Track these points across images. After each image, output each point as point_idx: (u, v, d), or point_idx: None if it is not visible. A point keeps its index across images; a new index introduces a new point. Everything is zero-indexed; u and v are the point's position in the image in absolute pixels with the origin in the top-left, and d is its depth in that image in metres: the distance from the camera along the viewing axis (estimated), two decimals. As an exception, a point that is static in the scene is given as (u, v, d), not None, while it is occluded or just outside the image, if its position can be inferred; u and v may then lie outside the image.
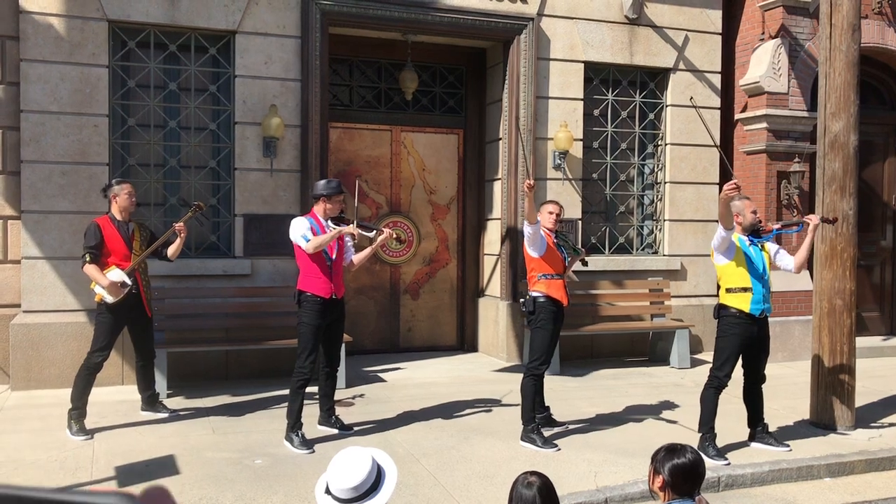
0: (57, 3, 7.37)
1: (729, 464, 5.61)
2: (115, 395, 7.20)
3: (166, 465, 5.36)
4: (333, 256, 6.02)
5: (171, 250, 6.43)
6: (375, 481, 2.37)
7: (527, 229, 6.01)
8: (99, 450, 5.67)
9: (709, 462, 5.56)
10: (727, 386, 5.90)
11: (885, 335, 10.74)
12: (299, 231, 5.88)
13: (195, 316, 7.81)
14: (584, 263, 6.54)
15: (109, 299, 6.08)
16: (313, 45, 8.11)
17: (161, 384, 7.04)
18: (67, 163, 7.45)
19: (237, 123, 8.01)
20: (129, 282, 6.13)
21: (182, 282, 7.79)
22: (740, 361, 5.99)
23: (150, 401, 6.65)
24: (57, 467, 5.29)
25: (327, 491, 2.37)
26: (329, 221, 6.03)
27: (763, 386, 6.12)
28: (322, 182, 6.15)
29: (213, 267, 7.92)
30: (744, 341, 5.84)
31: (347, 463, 2.37)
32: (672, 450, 2.86)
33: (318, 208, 6.03)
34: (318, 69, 8.14)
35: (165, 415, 6.59)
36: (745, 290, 5.78)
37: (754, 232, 5.89)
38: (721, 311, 5.92)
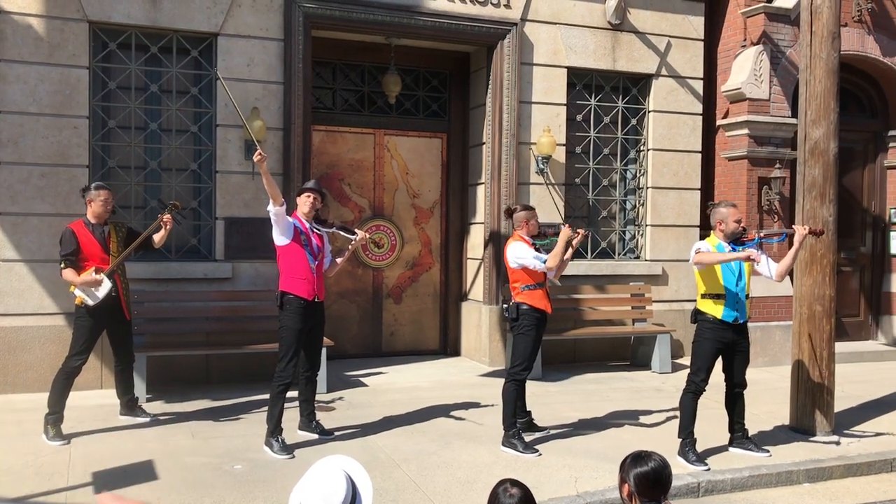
0: (36, 3, 7.30)
1: (709, 469, 5.63)
2: (94, 399, 7.13)
3: (144, 471, 5.31)
4: (317, 259, 6.00)
5: (157, 238, 6.37)
6: (352, 502, 2.34)
7: (531, 262, 6.04)
8: (76, 455, 5.61)
9: (688, 467, 5.61)
10: (705, 391, 5.92)
11: (865, 341, 10.83)
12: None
13: (175, 320, 7.75)
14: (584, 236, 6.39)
15: (90, 301, 6.03)
16: (296, 48, 8.08)
17: (140, 388, 6.97)
18: (46, 164, 7.37)
19: (219, 126, 7.97)
20: (108, 283, 6.07)
21: (162, 285, 7.73)
22: (721, 367, 6.01)
23: (129, 405, 6.59)
24: (32, 473, 5.23)
25: None
26: (313, 223, 6.03)
27: (745, 391, 6.14)
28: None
29: (193, 270, 7.86)
30: (719, 346, 5.86)
31: (322, 486, 2.32)
32: (637, 457, 2.89)
33: (299, 206, 6.07)
34: (301, 72, 8.12)
35: (144, 419, 6.53)
36: (718, 296, 5.81)
37: (736, 240, 5.90)
38: (697, 316, 5.95)
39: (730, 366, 6.02)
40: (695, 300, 6.32)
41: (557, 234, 6.27)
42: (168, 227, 6.33)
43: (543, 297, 6.14)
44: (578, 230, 6.22)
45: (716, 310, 5.81)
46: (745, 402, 6.16)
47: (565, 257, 6.12)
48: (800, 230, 5.86)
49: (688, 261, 8.21)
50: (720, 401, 6.21)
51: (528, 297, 6.10)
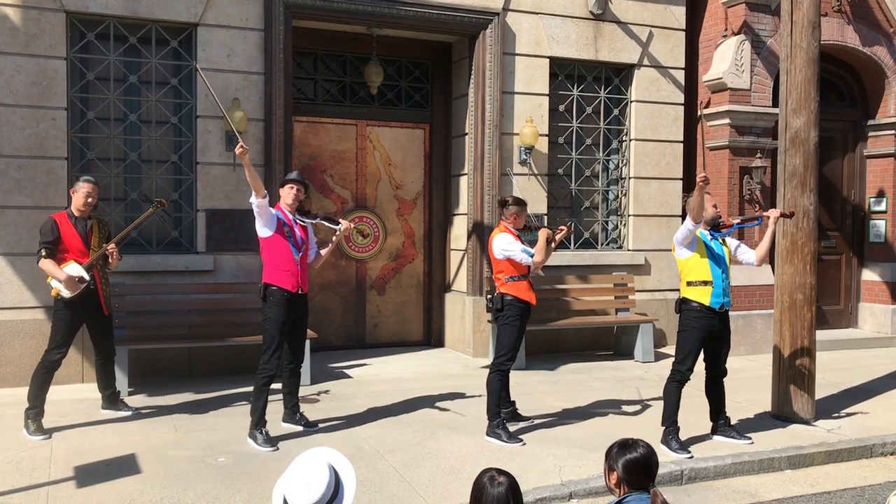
0: (12, -7, 7.20)
1: (692, 457, 5.66)
2: (75, 393, 7.07)
3: (127, 465, 5.27)
4: (301, 251, 5.97)
5: (111, 262, 6.22)
6: (334, 493, 2.34)
7: (520, 256, 6.02)
8: (57, 449, 5.56)
9: (672, 455, 5.64)
10: (690, 379, 5.95)
11: (845, 328, 10.93)
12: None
13: (157, 313, 7.69)
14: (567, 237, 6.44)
15: (66, 294, 5.97)
16: (277, 38, 8.02)
17: (122, 382, 6.93)
18: (24, 157, 7.28)
19: (199, 117, 7.90)
20: (87, 277, 6.02)
21: (143, 278, 7.67)
22: (702, 355, 6.05)
23: (111, 399, 6.54)
24: (13, 468, 5.18)
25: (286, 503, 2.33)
26: (296, 214, 6.00)
27: (725, 379, 6.18)
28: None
29: (174, 263, 7.80)
30: (705, 335, 5.89)
31: (305, 476, 2.33)
32: (624, 445, 2.90)
33: (281, 197, 6.05)
34: (282, 62, 8.06)
35: (127, 413, 6.49)
36: (705, 283, 5.84)
37: (715, 226, 5.96)
38: (682, 304, 5.97)
39: (712, 354, 6.05)
40: (677, 290, 6.36)
41: (541, 228, 6.29)
42: (114, 256, 6.13)
43: (528, 289, 6.15)
44: (561, 227, 6.25)
45: (703, 297, 5.84)
46: (725, 390, 6.20)
47: (550, 248, 6.14)
48: (773, 213, 6.10)
49: (670, 250, 8.23)
50: (702, 389, 6.25)
51: (513, 287, 6.10)
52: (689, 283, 5.91)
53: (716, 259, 5.86)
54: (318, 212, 6.32)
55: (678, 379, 5.91)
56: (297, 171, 6.26)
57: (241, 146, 5.62)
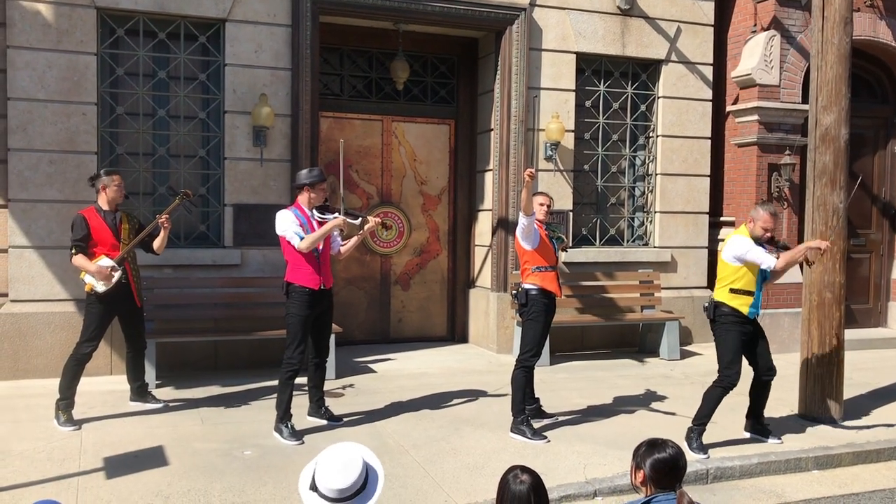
0: (44, -11, 7.29)
1: (707, 458, 5.61)
2: (104, 385, 7.16)
3: (155, 456, 5.34)
4: (321, 248, 5.98)
5: (157, 243, 6.36)
6: (364, 483, 2.37)
7: (522, 220, 5.97)
8: (87, 440, 5.65)
9: (689, 454, 5.60)
10: (736, 385, 5.85)
11: (874, 328, 10.79)
12: (289, 227, 5.85)
13: (184, 306, 7.77)
14: (564, 251, 6.56)
15: (100, 288, 6.04)
16: (304, 34, 8.05)
17: (150, 374, 7.00)
18: (55, 151, 7.38)
19: (227, 112, 7.96)
20: (118, 270, 6.08)
21: (171, 272, 7.75)
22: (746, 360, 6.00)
23: (140, 391, 6.62)
24: (44, 458, 5.26)
25: (313, 487, 2.36)
26: (315, 211, 5.98)
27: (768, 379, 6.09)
28: (304, 171, 6.11)
29: (202, 257, 7.88)
30: (743, 337, 5.87)
31: (338, 462, 2.36)
32: (653, 444, 2.89)
33: (302, 198, 6.00)
34: (309, 58, 8.09)
35: (155, 405, 6.56)
36: (748, 293, 5.81)
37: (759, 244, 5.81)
38: (716, 309, 5.89)
39: (754, 354, 6.00)
40: (704, 287, 6.29)
41: (557, 226, 6.30)
42: (167, 227, 6.29)
43: (553, 280, 6.14)
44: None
45: (742, 305, 5.81)
46: (768, 391, 6.11)
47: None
48: (818, 245, 5.80)
49: (696, 248, 8.16)
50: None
51: (539, 278, 6.09)
52: (732, 290, 5.84)
53: (761, 273, 5.82)
54: (338, 207, 6.31)
55: (724, 384, 5.80)
56: (319, 169, 6.22)
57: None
